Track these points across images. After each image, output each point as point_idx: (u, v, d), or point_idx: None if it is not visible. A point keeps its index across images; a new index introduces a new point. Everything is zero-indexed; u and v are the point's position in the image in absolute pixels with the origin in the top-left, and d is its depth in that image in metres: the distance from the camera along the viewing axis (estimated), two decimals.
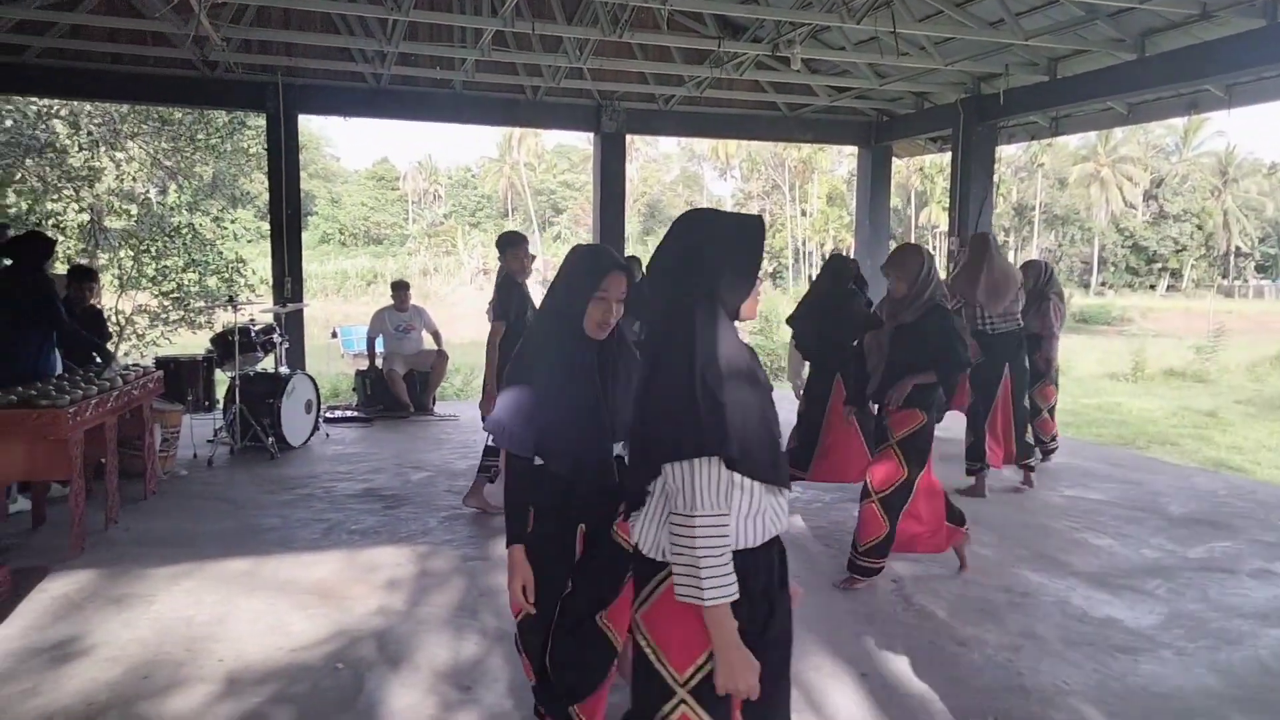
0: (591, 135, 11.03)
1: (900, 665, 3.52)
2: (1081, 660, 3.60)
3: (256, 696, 3.18)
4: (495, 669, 3.44)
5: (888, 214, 12.31)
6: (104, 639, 3.64)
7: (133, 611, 3.92)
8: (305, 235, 10.03)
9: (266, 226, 10.40)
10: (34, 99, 12.93)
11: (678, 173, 61.05)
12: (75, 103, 13.56)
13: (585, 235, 47.34)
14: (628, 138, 11.00)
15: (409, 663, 3.49)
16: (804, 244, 50.95)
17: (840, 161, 48.72)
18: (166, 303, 15.09)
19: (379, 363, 9.24)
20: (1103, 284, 53.02)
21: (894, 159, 12.05)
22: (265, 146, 10.16)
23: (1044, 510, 5.87)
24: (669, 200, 56.71)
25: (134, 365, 6.35)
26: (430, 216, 58.27)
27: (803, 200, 51.64)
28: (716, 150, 52.63)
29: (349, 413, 9.05)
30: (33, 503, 5.21)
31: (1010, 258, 36.44)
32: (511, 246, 5.26)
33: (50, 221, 13.70)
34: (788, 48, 7.70)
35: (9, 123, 13.38)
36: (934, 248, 44.63)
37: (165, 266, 14.70)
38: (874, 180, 11.61)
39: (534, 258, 5.43)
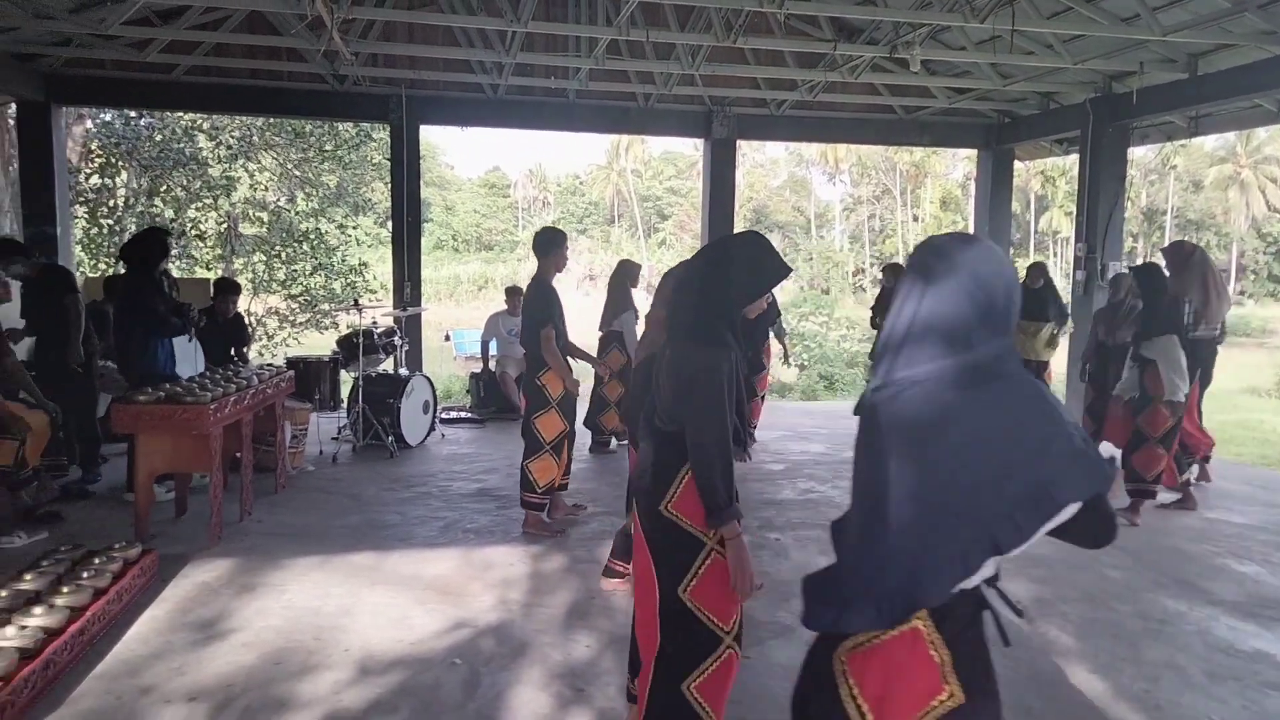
0: (701, 141, 11.03)
1: (1024, 692, 3.37)
2: (1228, 696, 3.37)
3: (380, 687, 3.30)
4: (608, 670, 3.47)
5: (1009, 219, 11.86)
6: (240, 624, 3.84)
7: (265, 600, 4.12)
8: (422, 241, 10.38)
9: (386, 233, 10.81)
10: (181, 113, 13.81)
11: (785, 178, 60.41)
12: (216, 117, 14.42)
13: (691, 241, 47.36)
14: (737, 143, 10.96)
15: (524, 660, 3.56)
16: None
17: (955, 165, 47.24)
18: (295, 305, 15.89)
19: (492, 365, 9.47)
20: (1242, 293, 49.63)
21: (1015, 162, 11.60)
22: (388, 156, 10.57)
23: (1182, 533, 5.53)
24: (775, 206, 56.16)
25: (267, 365, 6.70)
26: (539, 223, 59.45)
27: (914, 205, 50.29)
28: (825, 154, 51.80)
29: (463, 414, 9.31)
30: (176, 493, 5.55)
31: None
32: (556, 247, 5.12)
33: (191, 229, 14.62)
34: (906, 49, 7.51)
35: (159, 136, 14.34)
36: (1054, 254, 42.73)
37: (294, 271, 15.47)
38: (995, 184, 11.21)
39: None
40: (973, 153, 12.02)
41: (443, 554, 4.87)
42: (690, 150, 50.66)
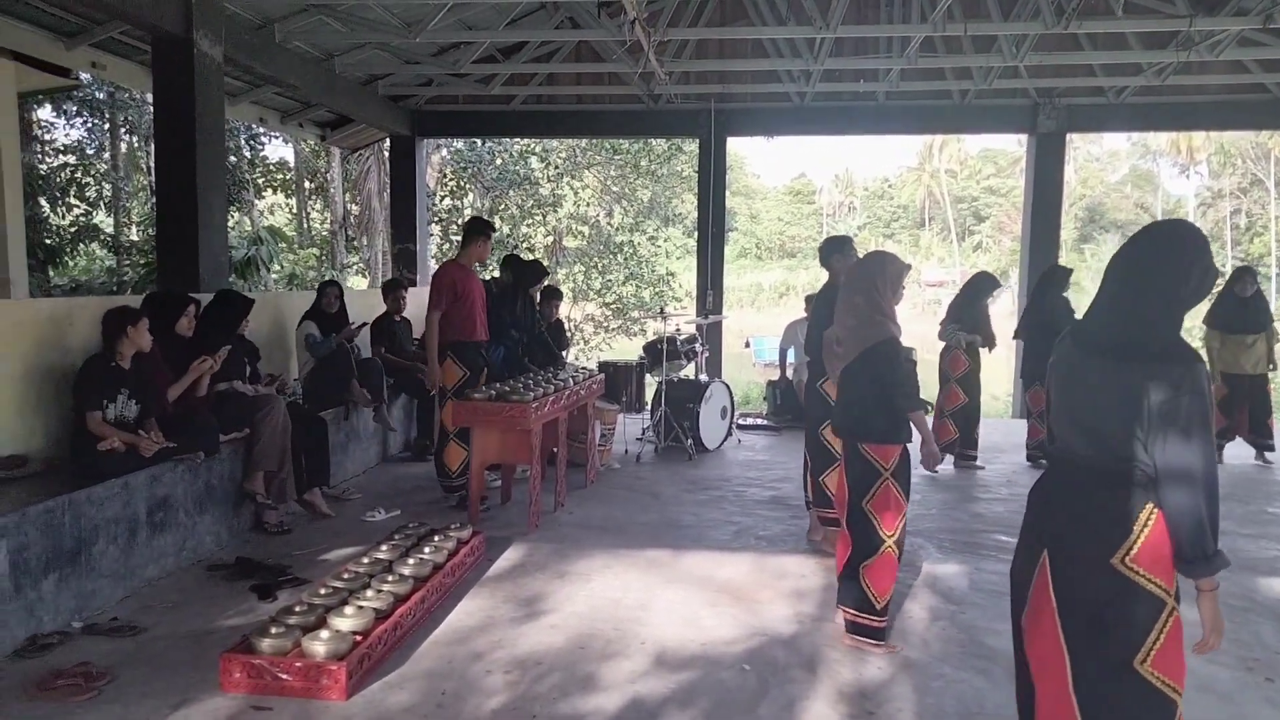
0: (1025, 136, 10.22)
1: None
2: None
3: (672, 683, 3.42)
4: (900, 695, 3.32)
5: None
6: (551, 607, 4.17)
7: (573, 586, 4.44)
8: (725, 250, 10.63)
9: (693, 243, 11.21)
10: (518, 139, 15.34)
11: (1125, 171, 54.08)
12: (546, 141, 15.85)
13: (1010, 244, 44.00)
14: (1067, 136, 10.01)
15: (813, 674, 3.51)
16: None
17: None
18: (608, 312, 17.01)
19: (790, 373, 9.46)
20: None
21: None
22: (697, 169, 10.96)
23: None
24: (1113, 203, 50.45)
25: (581, 368, 7.23)
26: (844, 229, 58.40)
27: None
28: (1177, 143, 45.63)
29: (759, 421, 9.39)
30: (502, 483, 6.16)
31: None
32: (842, 255, 5.03)
33: (524, 243, 16.16)
34: None
35: (499, 160, 16.04)
36: None
37: (609, 280, 16.56)
38: None
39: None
40: None
41: (735, 558, 4.94)
42: (1013, 146, 47.05)
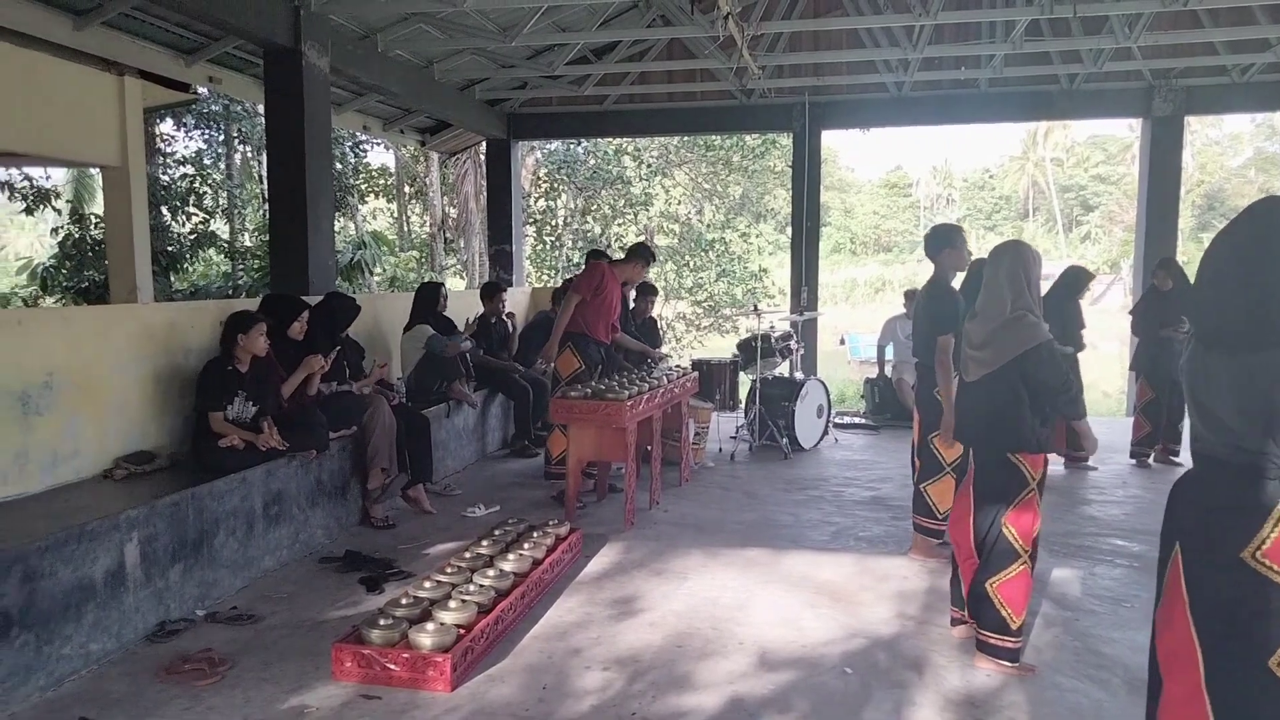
0: (1139, 121, 9.72)
1: None
2: None
3: (771, 684, 3.38)
4: (1012, 704, 3.20)
5: None
6: (648, 605, 4.18)
7: (670, 585, 4.44)
8: (820, 245, 10.46)
9: (784, 239, 11.08)
10: (610, 139, 15.46)
11: (1249, 155, 50.92)
12: (638, 139, 15.91)
13: (1120, 234, 41.98)
14: (1185, 120, 9.48)
15: (919, 679, 3.41)
16: None
17: None
18: (699, 310, 16.97)
19: (888, 371, 9.24)
20: None
21: None
22: (790, 164, 10.82)
23: None
24: (1235, 189, 47.55)
25: (675, 366, 7.22)
26: (941, 221, 56.71)
27: None
28: None
29: (856, 419, 9.21)
30: (596, 480, 6.21)
31: None
32: (952, 245, 4.64)
33: (616, 242, 16.27)
34: None
35: (591, 161, 16.19)
36: None
37: (700, 278, 16.52)
38: None
39: None
40: None
41: (835, 559, 4.85)
42: (1124, 132, 44.90)
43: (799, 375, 8.22)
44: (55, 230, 12.80)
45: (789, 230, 10.40)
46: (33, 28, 6.22)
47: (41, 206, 11.80)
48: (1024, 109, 9.84)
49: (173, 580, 3.92)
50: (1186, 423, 6.05)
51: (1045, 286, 4.66)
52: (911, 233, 56.47)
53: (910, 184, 60.28)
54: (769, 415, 7.57)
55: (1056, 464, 6.87)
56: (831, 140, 54.48)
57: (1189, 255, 6.87)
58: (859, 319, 33.86)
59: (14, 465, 3.84)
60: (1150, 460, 7.12)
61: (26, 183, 11.59)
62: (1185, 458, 6.79)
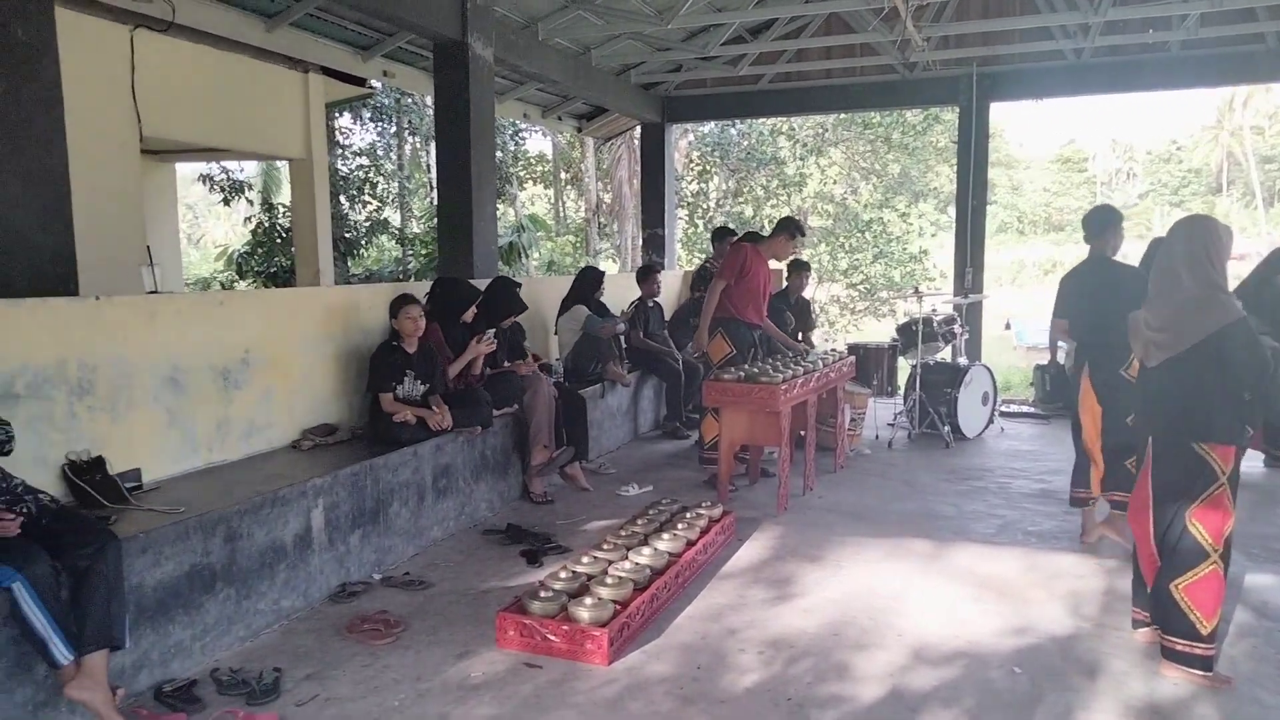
0: None
1: None
2: None
3: (933, 678, 3.26)
4: (1205, 717, 2.96)
5: None
6: (801, 591, 4.12)
7: (825, 572, 4.37)
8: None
9: (946, 219, 10.60)
10: (765, 119, 15.25)
11: None
12: (793, 119, 15.61)
13: None
14: None
15: (1094, 683, 3.21)
16: None
17: None
18: (854, 293, 16.52)
19: (1060, 357, 8.68)
20: None
21: None
22: (954, 140, 10.33)
23: None
24: None
25: (831, 350, 7.07)
26: (1122, 198, 52.76)
27: None
28: None
29: (1025, 408, 8.73)
30: (749, 464, 6.17)
31: None
32: (1111, 227, 4.51)
33: (768, 224, 16.07)
34: None
35: (745, 142, 16.04)
36: None
37: (856, 260, 16.07)
38: None
39: None
40: None
41: (1001, 553, 4.63)
42: None
43: (962, 360, 7.87)
44: (248, 219, 13.92)
45: (951, 209, 9.92)
46: (230, 30, 6.75)
47: (237, 197, 12.86)
48: (1222, 73, 8.94)
49: (352, 545, 4.20)
50: None
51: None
52: (1085, 210, 52.80)
53: (1086, 158, 56.29)
54: (930, 402, 7.29)
55: (1255, 460, 6.28)
56: (999, 114, 51.58)
57: None
58: (1027, 302, 32.04)
59: (217, 435, 4.21)
60: None
61: (224, 175, 12.65)
62: None
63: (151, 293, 6.08)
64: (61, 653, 2.69)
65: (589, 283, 7.06)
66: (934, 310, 7.75)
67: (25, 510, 2.82)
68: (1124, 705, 3.06)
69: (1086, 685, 3.21)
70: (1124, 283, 4.34)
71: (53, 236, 3.60)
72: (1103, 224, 4.58)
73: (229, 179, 12.63)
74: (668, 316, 8.30)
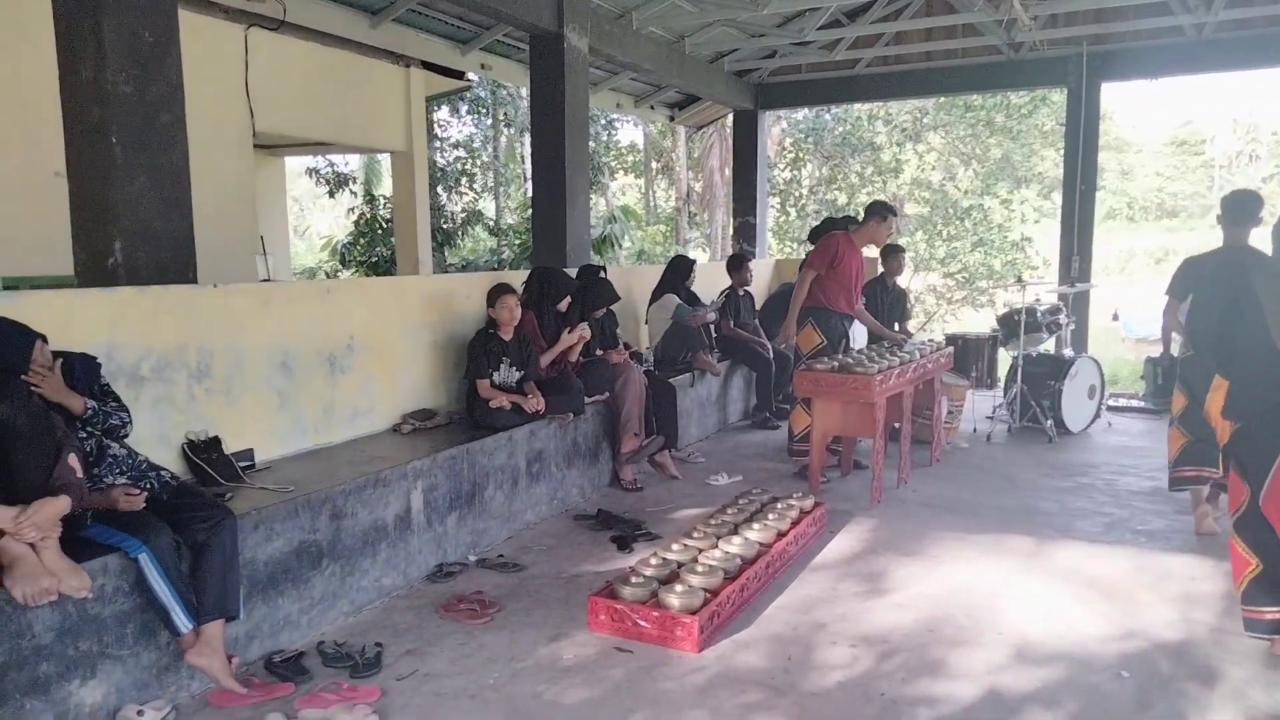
0: None
1: None
2: None
3: (1034, 679, 3.16)
4: None
5: None
6: (896, 585, 4.05)
7: (919, 567, 4.27)
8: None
9: (1049, 205, 10.18)
10: (860, 104, 14.92)
11: None
12: (891, 103, 15.23)
13: None
14: None
15: (1211, 692, 3.06)
16: None
17: None
18: (952, 282, 16.04)
19: (1174, 350, 8.25)
20: None
21: None
22: (1061, 123, 9.91)
23: None
24: None
25: (929, 341, 6.89)
26: (1243, 182, 49.62)
27: None
28: None
29: (1134, 402, 8.34)
30: (841, 455, 6.08)
31: None
32: (1250, 214, 4.28)
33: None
34: None
35: (839, 129, 15.73)
36: None
37: (954, 248, 15.59)
38: None
39: None
40: None
41: (1108, 552, 4.45)
42: None
43: (1067, 352, 7.57)
44: (350, 210, 14.42)
45: (1056, 195, 9.52)
46: (337, 27, 7.00)
47: (341, 189, 13.33)
48: None
49: (450, 526, 4.32)
50: None
51: None
52: (1203, 196, 49.93)
53: (1203, 140, 53.17)
54: (1032, 395, 7.04)
55: None
56: (1109, 94, 49.23)
57: None
58: (1136, 292, 30.53)
59: (323, 418, 4.39)
60: None
61: (329, 169, 13.13)
62: None
63: (265, 281, 6.37)
64: (182, 621, 2.86)
65: (679, 271, 7.07)
66: (1037, 300, 7.47)
67: (149, 486, 3.00)
68: (1244, 715, 2.91)
69: (1201, 693, 3.06)
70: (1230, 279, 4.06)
71: (173, 227, 3.80)
72: (1235, 212, 4.43)
73: (334, 172, 13.10)
74: (758, 305, 8.24)
